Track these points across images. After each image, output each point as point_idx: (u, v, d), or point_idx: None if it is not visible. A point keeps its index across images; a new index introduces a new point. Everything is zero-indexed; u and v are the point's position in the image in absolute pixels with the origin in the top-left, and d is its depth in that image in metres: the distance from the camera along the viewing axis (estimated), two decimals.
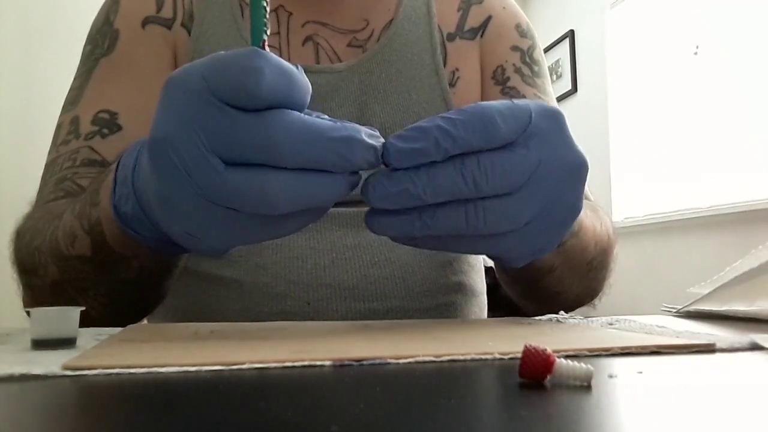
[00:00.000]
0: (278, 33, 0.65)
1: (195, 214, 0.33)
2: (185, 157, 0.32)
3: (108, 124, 0.59)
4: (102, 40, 0.64)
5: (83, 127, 0.59)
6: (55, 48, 1.35)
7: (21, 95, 1.29)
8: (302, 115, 0.33)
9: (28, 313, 0.35)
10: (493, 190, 0.37)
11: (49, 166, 0.60)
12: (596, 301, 0.64)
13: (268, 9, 0.35)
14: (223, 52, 0.34)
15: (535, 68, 0.70)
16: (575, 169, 0.40)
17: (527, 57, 0.70)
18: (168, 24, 0.64)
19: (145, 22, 0.64)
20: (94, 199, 0.46)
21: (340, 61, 0.65)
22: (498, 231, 0.38)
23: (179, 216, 0.34)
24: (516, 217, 0.38)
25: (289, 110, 0.32)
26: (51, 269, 0.49)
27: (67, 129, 0.60)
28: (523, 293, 0.59)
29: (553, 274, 0.53)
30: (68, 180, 0.57)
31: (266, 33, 0.35)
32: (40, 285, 0.51)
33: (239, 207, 0.33)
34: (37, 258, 0.50)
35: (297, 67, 0.33)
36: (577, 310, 0.62)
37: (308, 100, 0.34)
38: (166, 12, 0.65)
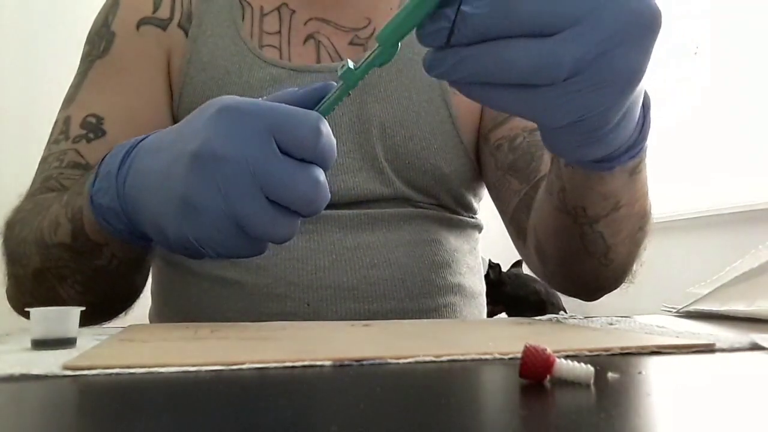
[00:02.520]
0: (279, 32, 0.65)
1: (215, 229, 0.38)
2: (233, 181, 0.36)
3: (94, 128, 0.61)
4: (99, 42, 0.65)
5: (72, 130, 0.61)
6: (55, 48, 1.35)
7: (21, 95, 1.29)
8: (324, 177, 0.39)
9: (27, 312, 0.35)
10: (528, 26, 0.31)
11: (41, 163, 0.62)
12: (629, 280, 0.61)
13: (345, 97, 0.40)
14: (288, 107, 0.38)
15: None
16: (641, 19, 0.32)
17: None
18: (163, 25, 0.64)
19: (140, 23, 0.64)
20: (80, 189, 0.49)
21: (341, 59, 0.65)
22: (533, 79, 0.32)
23: (199, 225, 0.38)
24: (555, 62, 0.31)
25: (321, 170, 0.39)
26: (34, 258, 0.51)
27: (60, 128, 0.62)
28: (576, 239, 0.53)
29: (618, 212, 0.49)
30: (54, 179, 0.59)
31: (333, 109, 0.40)
32: (23, 274, 0.53)
33: (261, 236, 0.38)
34: (23, 247, 0.52)
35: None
36: (577, 310, 0.62)
37: (332, 164, 0.40)
38: (163, 12, 0.65)
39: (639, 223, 0.53)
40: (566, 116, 0.34)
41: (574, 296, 0.64)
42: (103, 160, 0.46)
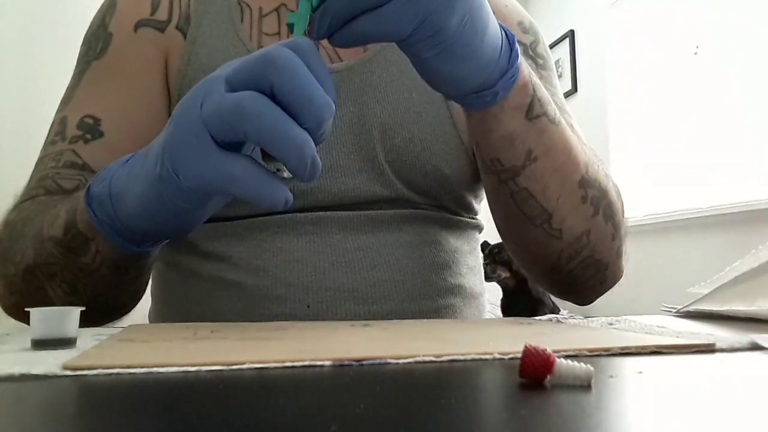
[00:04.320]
0: (278, 33, 0.65)
1: (191, 140, 0.38)
2: (207, 86, 0.38)
3: (91, 129, 0.61)
4: (96, 43, 0.65)
5: (69, 130, 0.61)
6: (55, 48, 1.35)
7: (21, 95, 1.29)
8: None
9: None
10: None
11: (38, 163, 0.62)
12: (608, 282, 0.61)
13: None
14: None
15: (540, 61, 0.70)
16: None
17: (530, 51, 0.69)
18: (161, 27, 0.64)
19: (138, 25, 0.64)
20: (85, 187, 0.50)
21: (341, 60, 0.65)
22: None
23: (178, 131, 0.39)
24: None
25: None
26: (28, 253, 0.52)
27: (56, 129, 0.62)
28: (509, 201, 0.55)
29: (535, 164, 0.52)
30: (49, 179, 0.59)
31: (306, 28, 0.41)
32: (14, 272, 0.53)
33: (229, 123, 0.36)
34: (21, 243, 0.53)
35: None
36: (577, 310, 0.62)
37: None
38: (161, 14, 0.65)
39: (579, 192, 0.55)
40: (408, 23, 0.40)
41: (562, 295, 0.65)
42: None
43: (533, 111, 0.51)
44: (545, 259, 0.59)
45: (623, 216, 0.61)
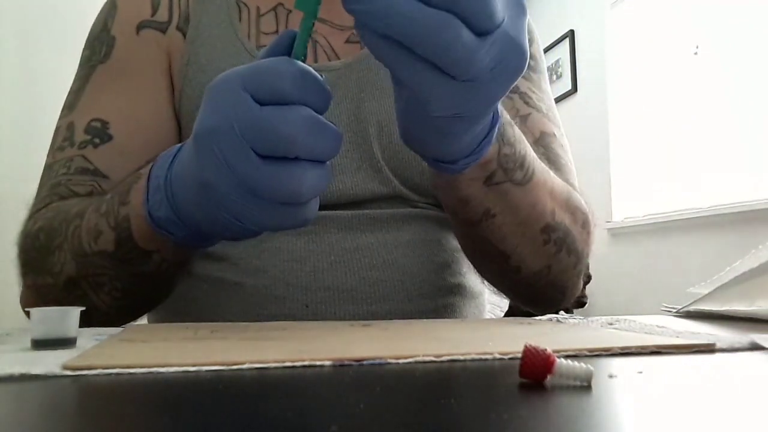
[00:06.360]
0: (276, 32, 0.65)
1: (236, 199, 0.37)
2: (226, 149, 0.36)
3: (99, 133, 0.61)
4: (99, 47, 0.65)
5: (77, 135, 0.61)
6: (55, 50, 1.35)
7: (21, 97, 1.29)
8: (314, 113, 0.37)
9: (27, 313, 0.35)
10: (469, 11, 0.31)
11: (46, 170, 0.62)
12: (566, 300, 0.62)
13: (313, 30, 0.40)
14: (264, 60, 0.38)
15: (531, 62, 0.69)
16: (522, 56, 0.35)
17: None
18: (162, 28, 0.65)
19: (140, 27, 0.64)
20: (123, 198, 0.49)
21: (338, 58, 0.65)
22: (456, 69, 0.33)
23: (221, 201, 0.38)
24: (483, 62, 0.33)
25: (306, 107, 0.36)
26: (69, 266, 0.51)
27: (63, 135, 0.62)
28: (468, 239, 0.55)
29: (492, 220, 0.51)
30: (62, 185, 0.59)
31: (305, 53, 0.39)
32: (52, 283, 0.52)
33: (270, 196, 0.37)
34: (56, 256, 0.52)
35: (322, 76, 0.38)
36: (577, 310, 0.62)
37: (327, 102, 0.38)
38: (161, 15, 0.65)
39: (539, 237, 0.54)
40: (454, 109, 0.36)
41: (523, 306, 0.66)
42: (151, 171, 0.46)
43: (493, 179, 0.48)
44: (503, 283, 0.61)
45: (590, 237, 0.60)
